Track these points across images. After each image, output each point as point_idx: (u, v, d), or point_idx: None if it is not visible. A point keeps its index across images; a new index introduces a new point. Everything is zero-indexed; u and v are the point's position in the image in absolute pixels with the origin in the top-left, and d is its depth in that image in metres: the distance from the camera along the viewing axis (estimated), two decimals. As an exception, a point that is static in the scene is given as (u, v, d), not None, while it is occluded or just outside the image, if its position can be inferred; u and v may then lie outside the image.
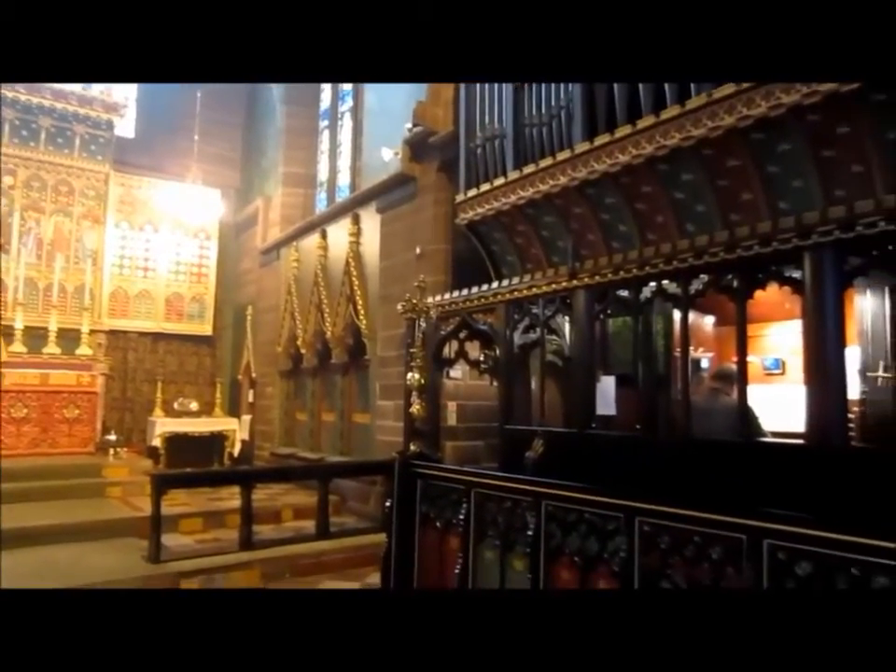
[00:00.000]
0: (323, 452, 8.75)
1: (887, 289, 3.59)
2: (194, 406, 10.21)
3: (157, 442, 8.97)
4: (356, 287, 7.82)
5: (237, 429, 10.02)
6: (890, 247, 2.72)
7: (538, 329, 4.28)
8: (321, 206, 10.12)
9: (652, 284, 3.61)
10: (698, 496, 2.55)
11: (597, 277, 3.80)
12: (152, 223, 10.55)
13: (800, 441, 2.90)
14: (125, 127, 10.88)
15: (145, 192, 10.43)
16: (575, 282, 3.92)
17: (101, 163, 9.97)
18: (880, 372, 3.54)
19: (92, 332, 9.40)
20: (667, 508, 2.52)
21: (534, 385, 4.69)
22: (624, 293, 3.77)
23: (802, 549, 2.08)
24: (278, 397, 10.12)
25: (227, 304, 11.58)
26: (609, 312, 4.05)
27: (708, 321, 5.18)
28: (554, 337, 5.03)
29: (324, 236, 8.87)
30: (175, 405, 10.14)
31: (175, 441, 9.10)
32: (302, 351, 9.21)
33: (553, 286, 4.08)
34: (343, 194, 9.37)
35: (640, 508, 2.61)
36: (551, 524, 3.01)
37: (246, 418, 10.56)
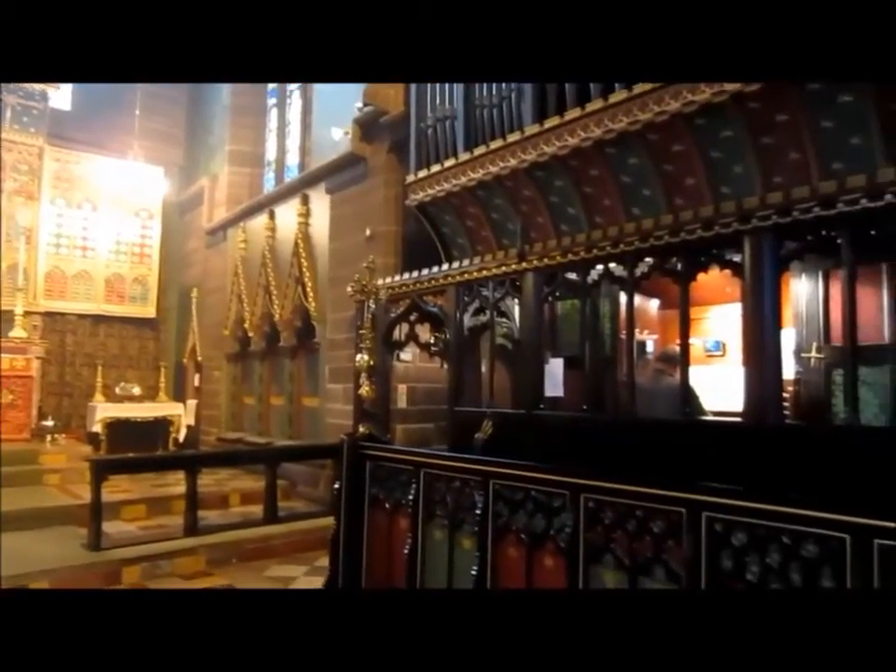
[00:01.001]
0: (271, 436, 8.63)
1: (820, 274, 3.73)
2: (137, 391, 9.92)
3: (97, 428, 8.69)
4: (304, 269, 7.70)
5: (182, 414, 9.79)
6: (824, 232, 2.81)
7: (487, 312, 4.29)
8: (269, 186, 9.90)
9: (600, 266, 3.65)
10: (642, 473, 2.61)
11: (546, 260, 3.82)
12: (91, 201, 10.14)
13: (738, 419, 2.99)
14: (61, 99, 10.37)
15: (83, 168, 10.00)
16: (524, 264, 3.94)
17: (34, 136, 9.50)
18: (813, 353, 3.68)
19: (27, 314, 9.00)
20: (611, 484, 2.58)
21: (484, 368, 4.72)
22: (573, 276, 3.81)
23: (737, 520, 2.16)
24: (225, 381, 9.92)
25: (171, 286, 11.25)
26: (557, 294, 4.10)
27: (653, 304, 5.30)
28: (504, 320, 5.06)
29: (272, 217, 8.70)
30: (117, 390, 9.83)
31: (116, 426, 8.84)
32: (250, 334, 9.04)
33: (503, 268, 4.09)
34: (292, 174, 9.18)
35: (585, 485, 2.66)
36: (498, 502, 3.05)
37: (192, 403, 10.31)
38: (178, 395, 10.72)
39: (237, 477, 8.08)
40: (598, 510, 2.61)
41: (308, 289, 7.62)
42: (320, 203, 7.67)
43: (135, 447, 8.26)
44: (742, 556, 2.15)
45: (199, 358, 10.46)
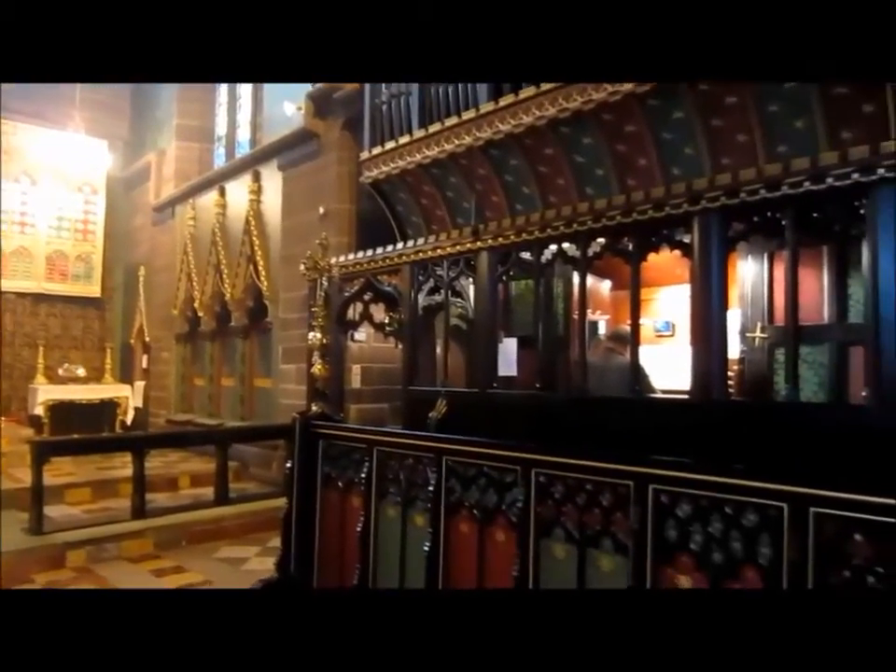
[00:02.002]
0: (223, 418, 8.48)
1: (765, 256, 3.83)
2: (81, 372, 9.61)
3: (39, 411, 8.39)
4: (256, 248, 7.54)
5: (129, 396, 9.54)
6: (769, 214, 2.88)
7: (442, 291, 4.28)
8: (219, 162, 9.63)
9: (553, 246, 3.67)
10: (593, 448, 2.65)
11: (500, 239, 3.82)
12: (29, 174, 9.70)
13: (685, 396, 3.06)
14: (-5, 65, 9.82)
15: (20, 140, 9.55)
16: (479, 243, 3.93)
17: (-34, 105, 9.00)
18: (757, 333, 3.79)
19: (-39, 292, 8.60)
20: (562, 459, 2.61)
21: (439, 348, 4.72)
22: (526, 255, 3.83)
23: (682, 492, 2.22)
24: (174, 362, 9.69)
25: (117, 264, 10.88)
26: (511, 274, 4.10)
27: (606, 286, 5.37)
28: (459, 300, 5.06)
29: (222, 193, 8.47)
30: (60, 371, 9.51)
31: (60, 409, 8.55)
32: (200, 314, 8.83)
33: (458, 247, 4.07)
34: (243, 150, 8.94)
35: (537, 460, 2.69)
36: (451, 479, 3.06)
37: (140, 384, 10.05)
38: (125, 376, 10.42)
39: (187, 459, 7.94)
40: (549, 484, 2.64)
41: (260, 268, 7.48)
42: (272, 179, 7.50)
43: (80, 430, 8.01)
44: (686, 527, 2.22)
45: (146, 339, 10.18)
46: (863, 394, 2.48)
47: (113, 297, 10.89)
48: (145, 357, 10.30)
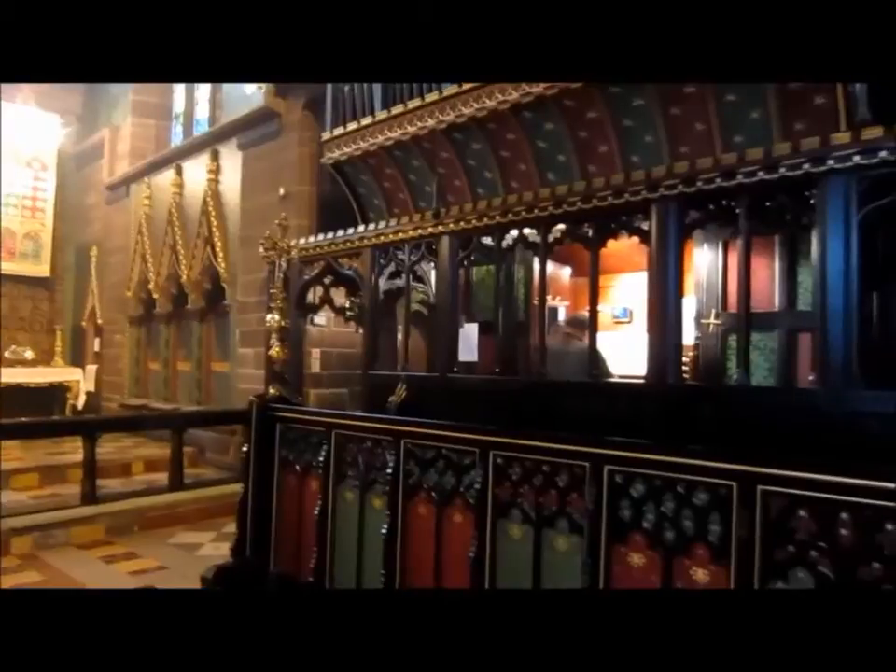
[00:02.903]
0: (178, 403, 8.32)
1: (720, 244, 3.91)
2: (29, 354, 9.31)
3: (-16, 394, 8.09)
4: (214, 229, 7.37)
5: (81, 380, 9.28)
6: (725, 202, 2.94)
7: (403, 276, 4.26)
8: (176, 140, 9.35)
9: (514, 231, 3.68)
10: (551, 430, 2.68)
11: (462, 223, 3.82)
12: (-27, 148, 9.26)
13: (642, 381, 3.12)
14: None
15: (-37, 111, 9.10)
16: (440, 227, 3.92)
17: None
18: (712, 320, 3.88)
19: None
20: (519, 440, 2.63)
21: (400, 333, 4.70)
22: (488, 240, 3.83)
23: (636, 472, 2.26)
24: (128, 345, 9.43)
25: (68, 243, 10.51)
26: (472, 259, 4.11)
27: (566, 272, 5.42)
28: (420, 284, 5.05)
29: (179, 173, 8.25)
30: (7, 353, 9.18)
31: (6, 393, 8.26)
32: (155, 296, 8.61)
33: (420, 231, 4.06)
34: (202, 128, 8.70)
35: (495, 442, 2.71)
36: (409, 461, 3.06)
37: (92, 368, 9.78)
38: (77, 360, 10.12)
39: (141, 445, 7.76)
40: (507, 466, 2.66)
41: (218, 250, 7.32)
42: (231, 159, 7.34)
43: (29, 415, 7.74)
44: (640, 506, 2.26)
45: (99, 321, 9.89)
46: (810, 378, 2.56)
47: (64, 277, 10.52)
48: (97, 340, 10.01)
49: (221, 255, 7.30)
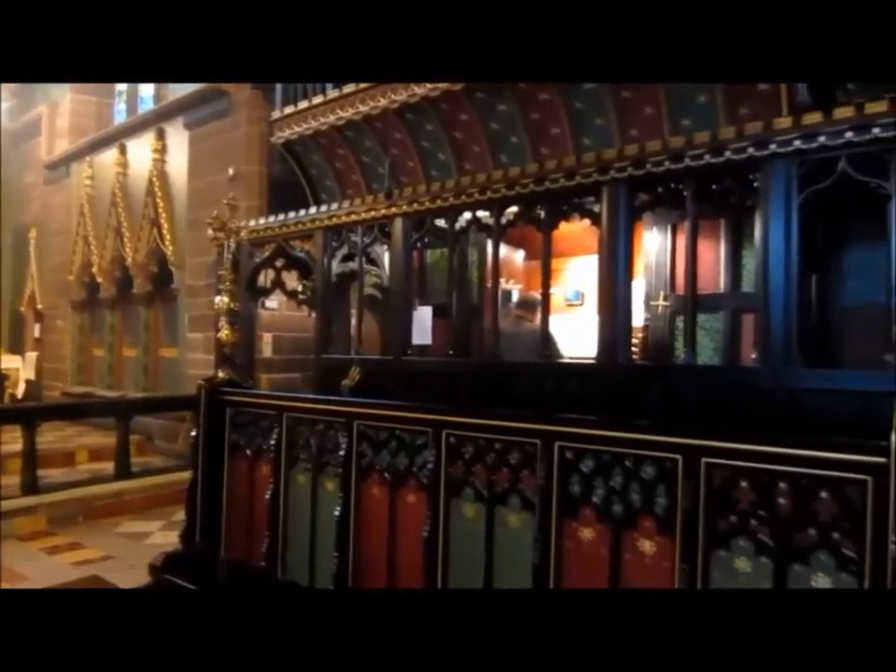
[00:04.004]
0: (125, 390, 8.09)
1: (669, 227, 3.99)
2: (-37, 341, 8.88)
3: (-86, 382, 7.71)
4: (160, 210, 7.16)
5: (20, 368, 8.93)
6: (673, 185, 2.98)
7: (357, 258, 4.21)
8: (120, 118, 9.02)
9: (468, 214, 3.67)
10: (502, 409, 2.70)
11: (415, 205, 3.78)
12: None
13: (592, 361, 3.16)
14: None
15: None
16: (394, 209, 3.88)
17: None
18: (660, 302, 3.96)
19: None
20: (472, 419, 2.65)
21: (354, 318, 4.65)
22: (441, 222, 3.81)
23: (586, 448, 2.30)
24: (71, 331, 9.11)
25: (5, 225, 10.02)
26: (426, 241, 4.08)
27: (519, 255, 5.45)
28: (374, 267, 5.00)
29: (123, 152, 7.97)
30: (-62, 340, 8.75)
31: (-62, 381, 7.89)
32: (99, 280, 8.32)
33: (373, 212, 4.00)
34: (146, 106, 8.42)
35: (448, 421, 2.72)
36: (362, 443, 3.04)
37: (32, 355, 9.41)
38: (15, 346, 9.71)
39: (86, 433, 7.53)
40: (459, 445, 2.67)
41: (165, 232, 7.11)
42: (178, 138, 7.11)
43: (-38, 403, 7.43)
44: (589, 481, 2.30)
45: (39, 306, 9.51)
46: (752, 356, 2.64)
47: (0, 260, 10.07)
48: (37, 326, 9.63)
49: (168, 237, 7.10)
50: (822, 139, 2.47)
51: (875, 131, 2.32)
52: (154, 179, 7.28)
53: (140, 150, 7.68)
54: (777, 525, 1.92)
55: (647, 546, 2.19)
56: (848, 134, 2.38)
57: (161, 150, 7.32)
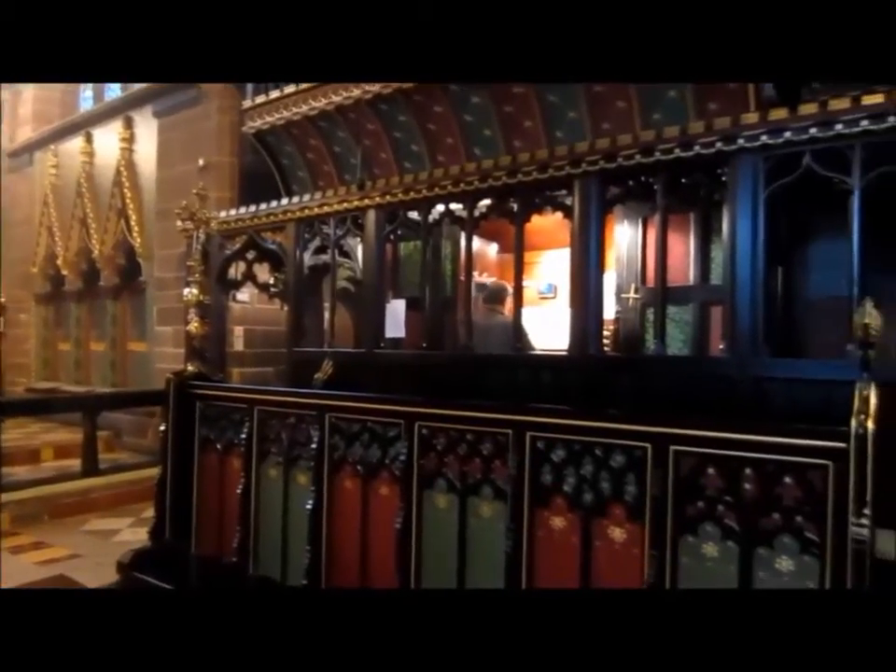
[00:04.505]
0: (92, 385, 7.93)
1: (640, 220, 4.03)
2: (-78, 335, 8.60)
3: None
4: (128, 200, 7.02)
5: (-18, 362, 8.67)
6: (643, 179, 3.02)
7: (329, 251, 4.18)
8: (86, 105, 8.82)
9: (441, 206, 3.67)
10: (474, 400, 2.71)
11: (388, 197, 3.77)
12: None
13: (564, 353, 3.18)
14: None
15: None
16: (366, 200, 3.86)
17: None
18: (631, 294, 4.01)
19: None
20: (444, 410, 2.65)
21: (327, 312, 4.62)
22: (415, 214, 3.80)
23: (557, 437, 2.32)
24: (35, 324, 8.90)
25: (-37, 216, 9.76)
26: (399, 233, 4.07)
27: (492, 248, 5.46)
28: (347, 260, 4.97)
29: (89, 140, 7.80)
30: None
31: None
32: (64, 272, 8.14)
33: (345, 204, 3.98)
34: (114, 93, 8.23)
35: (420, 413, 2.72)
36: (334, 436, 3.03)
37: (-6, 350, 9.16)
38: (-24, 341, 9.45)
39: (51, 430, 7.36)
40: (432, 436, 2.68)
41: (132, 223, 6.97)
42: (146, 127, 6.98)
43: (-79, 399, 7.20)
44: (560, 470, 2.33)
45: (1, 299, 9.24)
46: (721, 347, 2.68)
47: (-41, 252, 9.79)
48: (0, 320, 9.38)
49: (136, 228, 6.97)
50: (788, 135, 2.52)
51: (838, 127, 2.38)
52: (122, 169, 7.13)
53: (107, 139, 7.52)
54: (743, 511, 1.96)
55: (617, 533, 2.22)
56: (813, 130, 2.43)
57: (129, 139, 7.18)
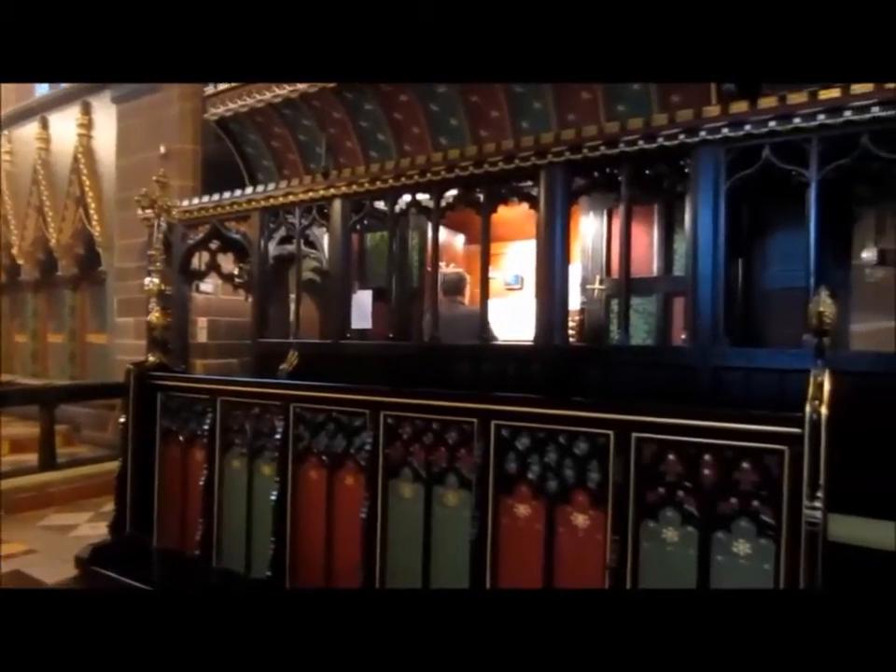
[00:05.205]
0: (50, 377, 7.71)
1: (605, 212, 4.07)
2: None
3: None
4: (87, 188, 6.82)
5: (-67, 355, 8.37)
6: (608, 170, 3.04)
7: (295, 241, 4.13)
8: (42, 90, 8.53)
9: (407, 196, 3.65)
10: (441, 391, 2.71)
11: (354, 186, 3.74)
12: None
13: (530, 343, 3.20)
14: None
15: None
16: (332, 190, 3.82)
17: None
18: (596, 285, 4.05)
19: None
20: (410, 400, 2.65)
21: (293, 305, 4.56)
22: (381, 204, 3.78)
23: (521, 426, 2.34)
24: (-11, 316, 8.61)
25: (-88, 203, 9.39)
26: (365, 223, 4.04)
27: (459, 239, 5.46)
28: (313, 251, 4.92)
29: (45, 126, 7.55)
30: None
31: None
32: (19, 262, 7.88)
33: (311, 193, 3.94)
34: (71, 79, 7.99)
35: (385, 402, 2.71)
36: (299, 426, 3.00)
37: (-54, 342, 8.85)
38: (-74, 333, 9.12)
39: (7, 424, 7.12)
40: (397, 426, 2.67)
41: (91, 211, 6.78)
42: (105, 112, 6.78)
43: None
44: (525, 458, 2.34)
45: (-47, 290, 8.95)
46: (682, 337, 2.73)
47: None
48: (-49, 312, 9.07)
49: (96, 217, 6.78)
50: (748, 128, 2.56)
51: (796, 121, 2.43)
52: (79, 156, 6.93)
53: (64, 125, 7.29)
54: (702, 496, 2.00)
55: (580, 520, 2.24)
56: (772, 124, 2.48)
57: (87, 125, 6.97)
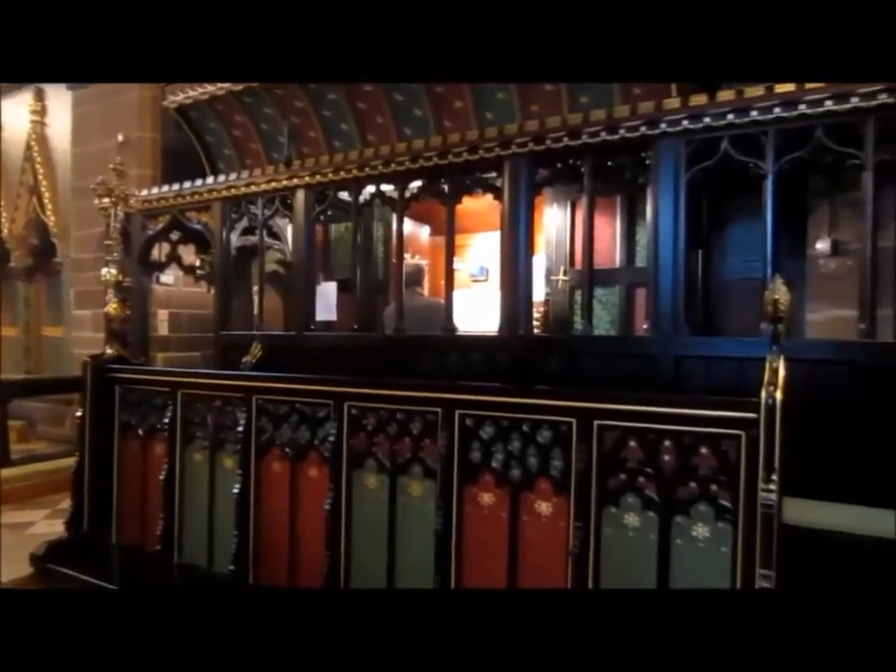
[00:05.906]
0: (4, 372, 7.46)
1: (569, 204, 4.10)
2: None
3: None
4: (41, 177, 6.62)
5: None
6: (571, 161, 3.06)
7: (257, 231, 4.07)
8: (-9, 76, 8.24)
9: (371, 187, 3.62)
10: (403, 379, 2.70)
11: (318, 177, 3.69)
12: None
13: (494, 334, 3.21)
14: None
15: None
16: (295, 180, 3.77)
17: None
18: (560, 276, 4.08)
19: None
20: (374, 390, 2.63)
21: (256, 297, 4.50)
22: (345, 195, 3.74)
23: (485, 415, 2.35)
24: (-62, 309, 8.30)
25: None
26: (329, 214, 4.00)
27: (425, 231, 5.45)
28: (276, 242, 4.85)
29: (-4, 113, 7.29)
30: None
31: None
32: (-30, 253, 7.62)
33: (273, 183, 3.88)
34: (23, 64, 7.72)
35: (349, 393, 2.69)
36: (262, 418, 2.97)
37: None
38: None
39: (-43, 421, 6.91)
40: (361, 416, 2.66)
41: (46, 201, 6.58)
42: (60, 99, 6.57)
43: None
44: (489, 447, 2.35)
45: None
46: (644, 327, 2.77)
47: None
48: None
49: (50, 207, 6.58)
50: (707, 120, 2.60)
51: (754, 114, 2.47)
52: (33, 144, 6.71)
53: (16, 112, 7.03)
54: (662, 481, 2.03)
55: (544, 507, 2.26)
56: (730, 116, 2.52)
57: (41, 112, 6.75)
